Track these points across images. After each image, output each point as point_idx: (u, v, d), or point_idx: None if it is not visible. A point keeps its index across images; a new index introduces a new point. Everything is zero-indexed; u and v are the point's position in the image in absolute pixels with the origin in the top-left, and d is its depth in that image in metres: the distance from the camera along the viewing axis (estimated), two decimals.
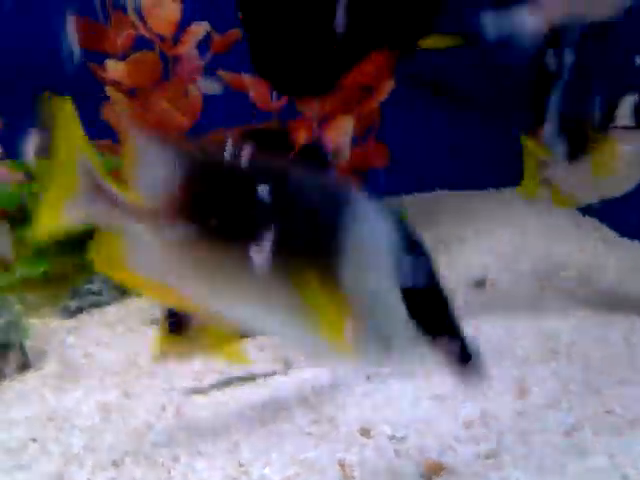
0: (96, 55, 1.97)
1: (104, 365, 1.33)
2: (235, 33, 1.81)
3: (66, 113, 0.73)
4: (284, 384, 1.18)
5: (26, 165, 1.80)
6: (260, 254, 0.72)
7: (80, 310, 1.65)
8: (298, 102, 1.70)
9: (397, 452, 0.92)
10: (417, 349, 0.74)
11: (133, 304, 1.67)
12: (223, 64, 1.92)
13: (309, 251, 0.74)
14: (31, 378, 1.29)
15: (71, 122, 0.73)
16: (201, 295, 0.76)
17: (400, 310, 0.73)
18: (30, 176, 1.81)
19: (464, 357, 0.72)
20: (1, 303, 1.42)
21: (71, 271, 1.73)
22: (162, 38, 1.68)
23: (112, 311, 1.65)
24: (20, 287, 1.60)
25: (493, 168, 2.36)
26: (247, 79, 1.78)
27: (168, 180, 0.73)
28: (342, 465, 0.90)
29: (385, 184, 1.53)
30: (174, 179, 0.73)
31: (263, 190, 0.71)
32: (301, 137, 1.76)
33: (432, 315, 0.74)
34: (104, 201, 0.73)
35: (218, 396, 1.15)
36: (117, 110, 1.79)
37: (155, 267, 0.76)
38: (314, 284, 0.73)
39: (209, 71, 1.90)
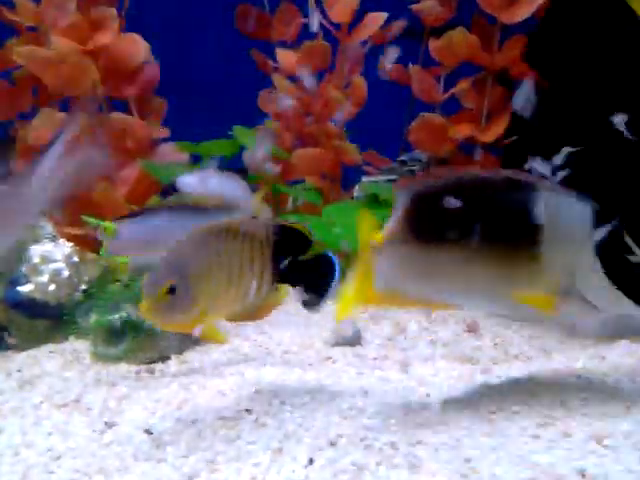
0: (257, 43, 1.99)
1: (281, 342, 1.31)
2: (398, 25, 1.77)
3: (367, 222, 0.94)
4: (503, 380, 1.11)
5: (191, 146, 1.81)
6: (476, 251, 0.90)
7: None
8: None
9: None
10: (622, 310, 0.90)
11: None
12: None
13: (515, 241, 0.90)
14: (215, 353, 1.26)
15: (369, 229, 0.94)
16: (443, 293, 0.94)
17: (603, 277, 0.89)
18: (196, 158, 1.83)
19: None
20: None
21: None
22: (338, 27, 1.66)
23: None
24: None
25: None
26: (414, 70, 1.73)
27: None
28: (583, 475, 0.82)
29: None
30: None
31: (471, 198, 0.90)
32: (463, 131, 1.69)
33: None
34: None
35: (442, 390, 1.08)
36: (279, 97, 1.78)
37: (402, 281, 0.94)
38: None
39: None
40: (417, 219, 0.92)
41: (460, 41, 1.59)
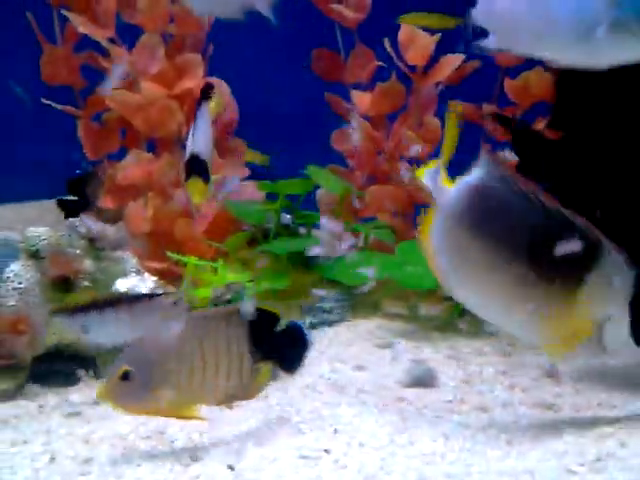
0: (332, 85, 2.03)
1: (355, 381, 1.29)
2: (471, 65, 1.76)
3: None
4: None
5: (268, 185, 1.85)
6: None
7: (313, 326, 1.64)
8: None
9: None
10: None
11: (362, 325, 1.63)
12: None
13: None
14: (288, 386, 1.26)
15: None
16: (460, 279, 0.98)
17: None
18: (272, 196, 1.86)
19: None
20: None
21: (306, 289, 1.74)
22: (414, 69, 1.67)
23: (342, 330, 1.60)
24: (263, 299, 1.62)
25: None
26: (488, 109, 1.72)
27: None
28: None
29: None
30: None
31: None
32: None
33: None
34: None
35: None
36: (358, 137, 1.80)
37: (444, 246, 0.97)
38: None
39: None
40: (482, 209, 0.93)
41: (537, 81, 1.57)
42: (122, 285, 1.33)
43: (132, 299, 1.03)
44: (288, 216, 1.89)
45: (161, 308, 1.00)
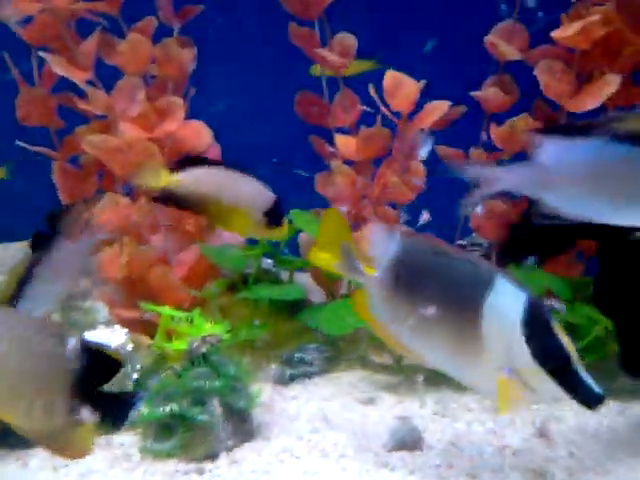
0: (317, 129, 1.98)
1: (336, 443, 1.20)
2: (458, 110, 1.72)
3: (335, 217, 1.10)
4: None
5: None
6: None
7: (292, 378, 1.53)
8: None
9: None
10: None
11: (344, 378, 1.54)
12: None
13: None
14: (264, 449, 1.18)
15: (338, 221, 1.09)
16: (407, 341, 1.05)
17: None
18: (252, 241, 1.79)
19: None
20: (226, 367, 1.34)
21: (285, 338, 1.65)
22: (399, 115, 1.63)
23: (323, 383, 1.51)
24: (242, 349, 1.53)
25: None
26: (474, 154, 1.67)
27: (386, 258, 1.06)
28: None
29: None
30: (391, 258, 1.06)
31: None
32: None
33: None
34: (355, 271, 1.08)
35: None
36: (339, 182, 1.74)
37: (383, 316, 1.06)
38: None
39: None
40: (398, 269, 1.04)
41: (523, 128, 1.53)
42: (90, 339, 1.24)
43: None
44: (269, 261, 1.82)
45: None
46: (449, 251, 1.03)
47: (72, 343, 0.88)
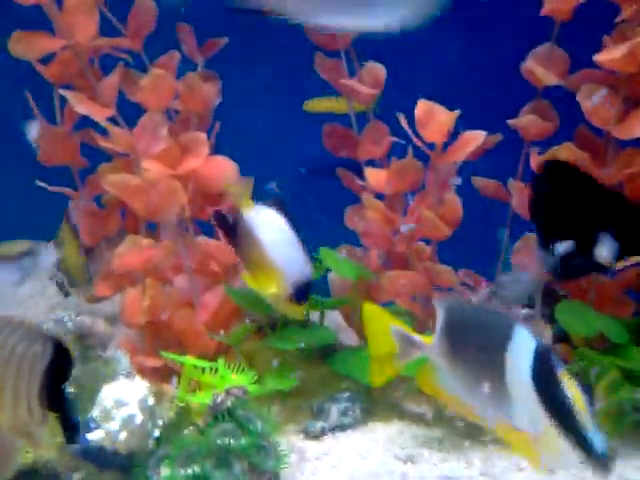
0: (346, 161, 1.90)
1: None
2: (493, 139, 1.63)
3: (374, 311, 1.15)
4: None
5: None
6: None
7: (324, 431, 1.43)
8: None
9: None
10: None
11: (380, 431, 1.43)
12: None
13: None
14: None
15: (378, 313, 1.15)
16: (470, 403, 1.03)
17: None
18: None
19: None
20: (253, 423, 1.24)
21: (316, 385, 1.55)
22: (432, 146, 1.54)
23: (358, 437, 1.40)
24: (269, 399, 1.44)
25: None
26: (513, 186, 1.56)
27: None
28: None
29: None
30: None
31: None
32: None
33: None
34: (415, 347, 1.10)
35: None
36: (370, 216, 1.65)
37: (447, 385, 1.06)
38: None
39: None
40: (450, 333, 1.04)
41: (568, 158, 1.42)
42: (108, 393, 1.16)
43: None
44: None
45: None
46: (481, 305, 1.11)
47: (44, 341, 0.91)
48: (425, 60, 2.08)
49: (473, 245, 1.78)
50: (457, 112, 1.46)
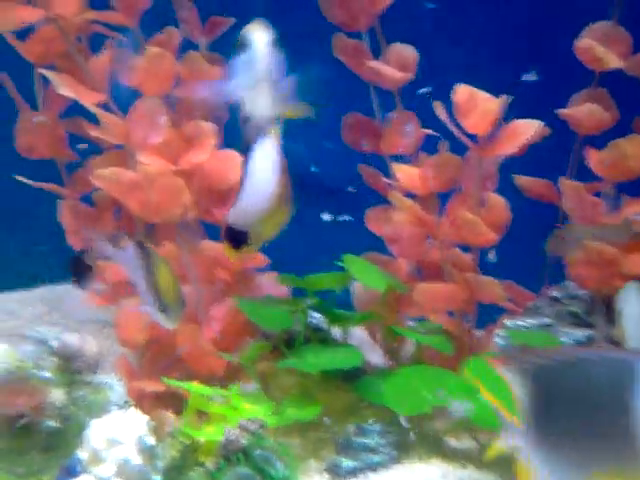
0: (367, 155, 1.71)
1: None
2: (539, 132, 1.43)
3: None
4: None
5: (294, 279, 1.49)
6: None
7: (352, 471, 1.24)
8: None
9: None
10: None
11: (418, 470, 1.23)
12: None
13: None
14: None
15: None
16: None
17: None
18: (298, 291, 1.50)
19: None
20: (269, 463, 1.04)
21: (341, 413, 1.35)
22: (473, 138, 1.35)
23: (393, 478, 1.23)
24: (288, 431, 1.23)
25: None
26: (566, 185, 1.37)
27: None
28: None
29: None
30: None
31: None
32: None
33: None
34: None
35: None
36: (400, 219, 1.45)
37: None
38: None
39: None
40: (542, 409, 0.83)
41: (635, 152, 1.24)
42: (99, 429, 0.95)
43: None
44: (317, 315, 1.53)
45: None
46: (580, 355, 0.84)
47: None
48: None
49: (512, 253, 1.59)
50: (504, 98, 1.27)
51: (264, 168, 1.07)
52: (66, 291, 1.85)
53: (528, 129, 1.25)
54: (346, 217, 1.80)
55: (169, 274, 1.10)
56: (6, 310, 1.79)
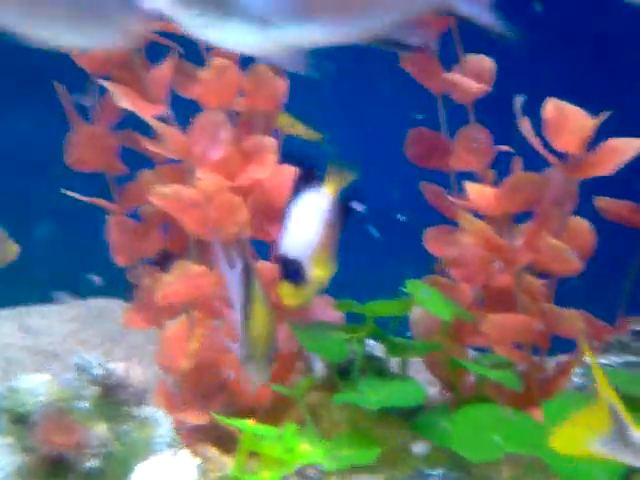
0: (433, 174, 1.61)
1: None
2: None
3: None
4: None
5: (351, 305, 1.40)
6: None
7: None
8: None
9: None
10: None
11: None
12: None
13: None
14: None
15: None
16: None
17: None
18: (352, 318, 1.41)
19: None
20: None
21: (398, 454, 1.24)
22: (562, 156, 1.23)
23: None
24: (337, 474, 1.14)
25: None
26: None
27: None
28: None
29: None
30: None
31: None
32: None
33: None
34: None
35: None
36: (469, 241, 1.34)
37: None
38: None
39: None
40: None
41: None
42: (145, 475, 0.87)
43: None
44: (373, 342, 1.42)
45: None
46: None
47: None
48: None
49: (587, 277, 1.46)
50: (603, 115, 1.14)
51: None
52: (103, 309, 1.80)
53: (629, 149, 1.13)
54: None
55: (267, 314, 1.02)
56: (36, 326, 1.74)
